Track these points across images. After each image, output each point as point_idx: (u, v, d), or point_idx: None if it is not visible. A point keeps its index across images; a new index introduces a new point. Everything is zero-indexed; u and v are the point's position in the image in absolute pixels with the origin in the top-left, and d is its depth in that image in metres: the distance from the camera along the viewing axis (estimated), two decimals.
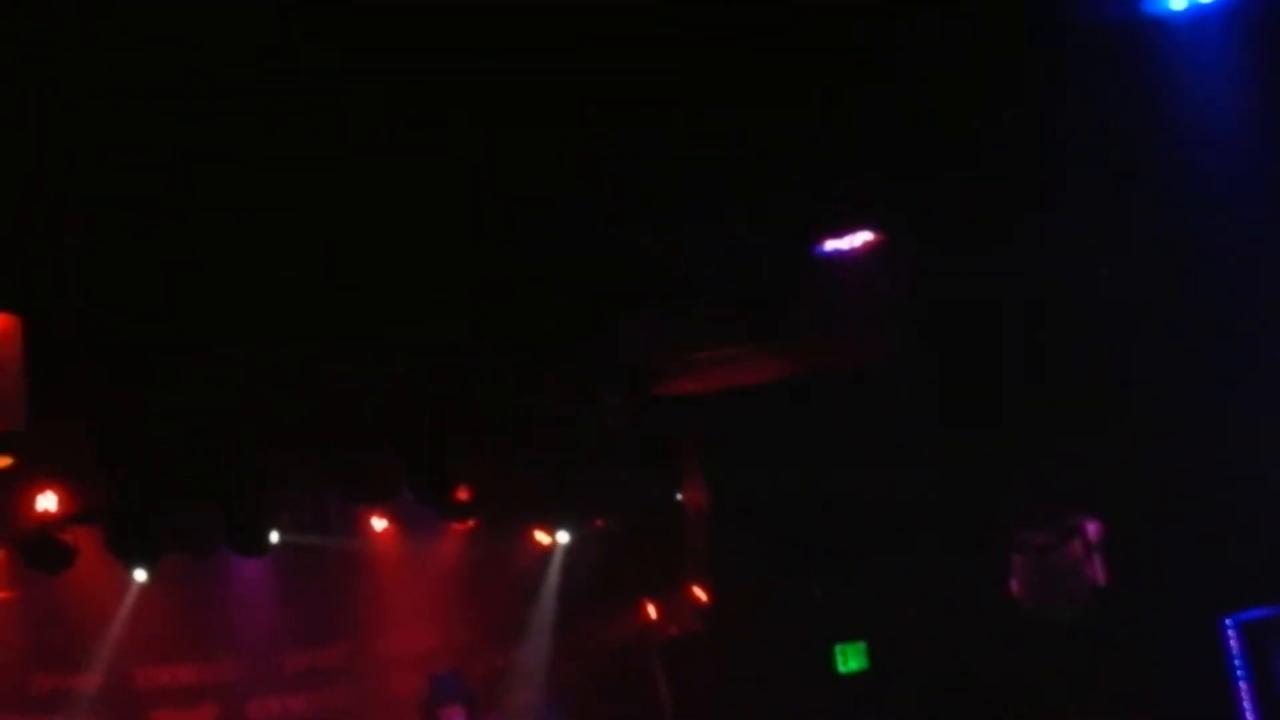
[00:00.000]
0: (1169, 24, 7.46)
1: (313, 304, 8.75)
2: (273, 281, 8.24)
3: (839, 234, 8.57)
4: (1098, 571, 12.08)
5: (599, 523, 12.54)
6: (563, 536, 13.83)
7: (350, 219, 7.98)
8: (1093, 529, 12.06)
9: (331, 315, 8.93)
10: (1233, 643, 10.71)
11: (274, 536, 12.31)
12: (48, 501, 11.17)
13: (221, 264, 7.84)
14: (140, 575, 12.75)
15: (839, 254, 8.64)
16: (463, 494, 12.00)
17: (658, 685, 13.47)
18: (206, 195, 6.96)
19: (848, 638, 12.99)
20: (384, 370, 9.71)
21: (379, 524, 14.04)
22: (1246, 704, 10.61)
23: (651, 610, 13.82)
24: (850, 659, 12.95)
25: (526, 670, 14.88)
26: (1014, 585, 12.81)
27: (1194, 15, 7.57)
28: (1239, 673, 10.71)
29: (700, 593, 12.99)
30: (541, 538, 13.95)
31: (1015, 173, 8.10)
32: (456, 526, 13.90)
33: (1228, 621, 10.75)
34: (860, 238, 8.62)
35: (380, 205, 7.97)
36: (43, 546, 11.36)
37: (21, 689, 14.00)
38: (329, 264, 8.39)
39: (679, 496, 12.36)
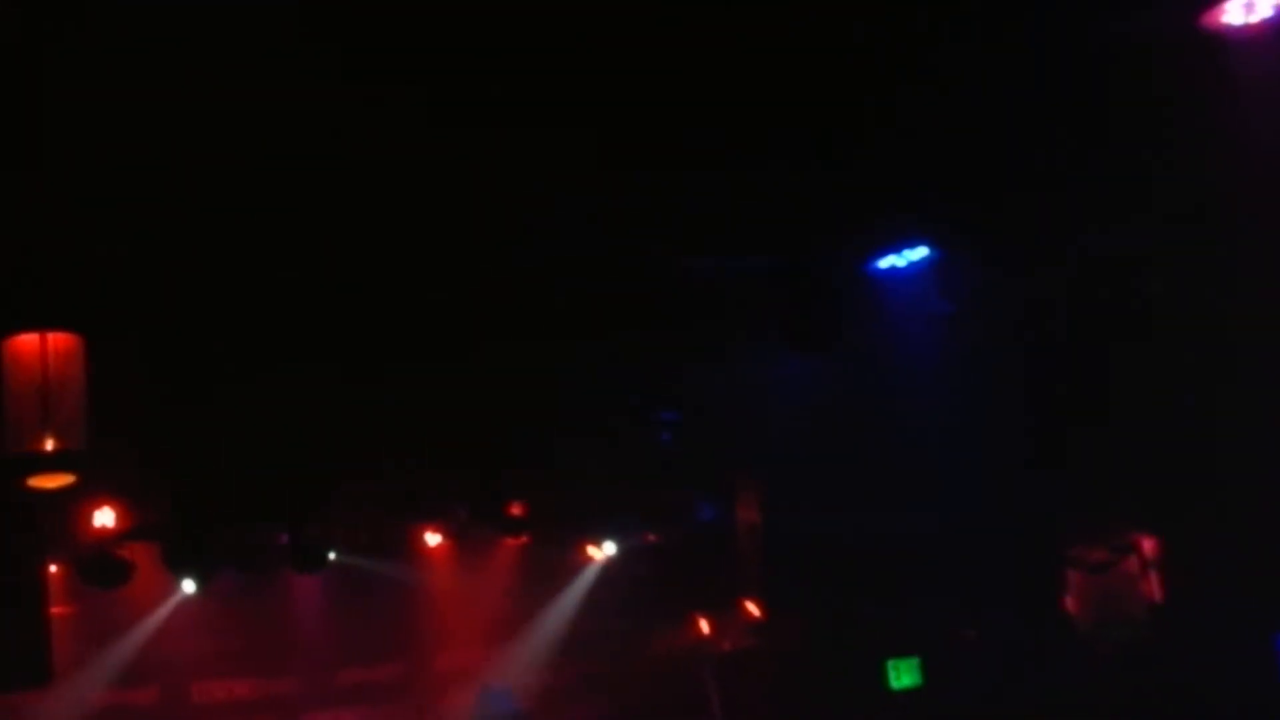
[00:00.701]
0: (1226, 39, 7.41)
1: (372, 326, 8.80)
2: (335, 304, 8.28)
3: (893, 251, 8.52)
4: (1153, 589, 12.01)
5: (651, 538, 12.54)
6: (614, 551, 13.83)
7: (412, 245, 8.01)
8: (1148, 546, 11.99)
9: (388, 337, 8.98)
10: None
11: (331, 554, 12.40)
12: (105, 518, 11.25)
13: (283, 286, 7.88)
14: (195, 590, 12.86)
15: (893, 271, 8.60)
16: (516, 510, 12.05)
17: (711, 700, 13.47)
18: (269, 217, 7.00)
19: (901, 653, 12.96)
20: (441, 389, 9.74)
21: (433, 540, 14.09)
22: None
23: (704, 625, 13.83)
24: (903, 674, 12.93)
25: (578, 683, 14.93)
26: (1069, 602, 12.77)
27: (1250, 30, 7.53)
28: None
29: (753, 608, 12.99)
30: (594, 553, 13.97)
31: (1073, 189, 8.05)
32: (509, 542, 13.95)
33: None
34: (915, 254, 8.58)
35: (440, 230, 8.00)
36: (99, 562, 11.46)
37: (81, 703, 14.12)
38: (388, 288, 8.43)
39: (733, 512, 12.35)
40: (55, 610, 10.82)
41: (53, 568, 11.52)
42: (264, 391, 9.40)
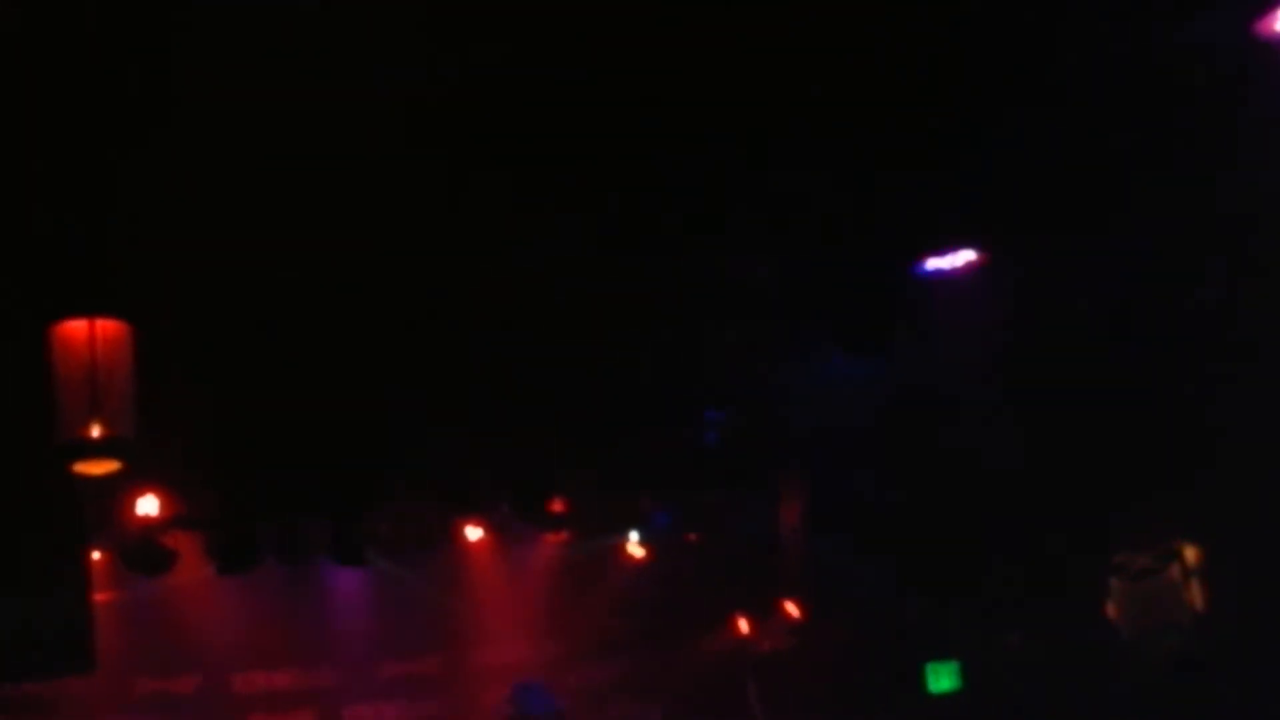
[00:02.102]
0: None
1: (422, 321, 8.82)
2: (380, 296, 8.30)
3: (941, 253, 8.46)
4: (1196, 597, 11.93)
5: (692, 537, 12.53)
6: (637, 543, 13.83)
7: (461, 239, 8.02)
8: (1191, 554, 11.90)
9: (437, 333, 9.00)
10: None
11: (371, 549, 12.45)
12: (149, 506, 11.30)
13: (329, 276, 7.91)
14: (238, 581, 12.93)
15: (941, 273, 8.54)
16: (558, 506, 12.06)
17: (750, 701, 13.45)
18: (323, 206, 7.02)
19: (940, 657, 12.92)
20: (486, 384, 9.76)
21: (474, 534, 14.12)
22: None
23: (744, 625, 13.81)
24: (942, 678, 12.88)
25: (615, 682, 14.94)
26: (1111, 610, 12.69)
27: None
28: None
29: (794, 609, 12.96)
30: (634, 550, 13.96)
31: (1126, 194, 8.00)
32: (550, 538, 13.97)
33: None
34: (963, 257, 8.52)
35: (490, 224, 8.02)
36: (143, 550, 11.52)
37: (124, 691, 14.22)
38: (432, 280, 8.44)
39: (776, 513, 12.32)
40: (99, 597, 10.89)
41: (96, 555, 11.60)
42: (311, 384, 9.44)
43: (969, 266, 8.48)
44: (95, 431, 6.56)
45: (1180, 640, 12.34)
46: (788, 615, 13.10)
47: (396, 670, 14.86)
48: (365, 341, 8.90)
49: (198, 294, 7.51)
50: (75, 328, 6.56)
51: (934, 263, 8.48)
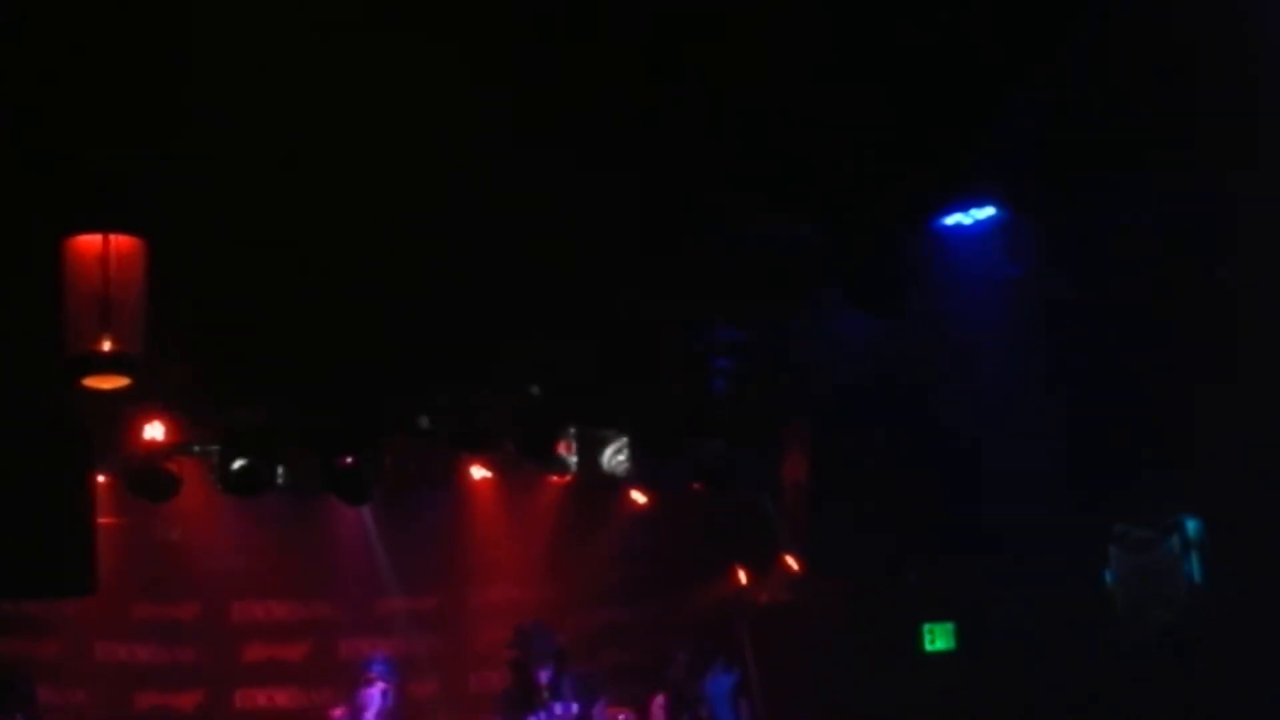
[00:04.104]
0: None
1: (433, 254, 8.80)
2: (393, 226, 8.27)
3: (960, 209, 8.36)
4: (1195, 570, 11.94)
5: (696, 486, 12.52)
6: (658, 498, 13.82)
7: (475, 185, 8.01)
8: (1193, 527, 11.91)
9: (448, 268, 8.98)
10: None
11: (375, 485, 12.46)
12: (155, 431, 11.32)
13: (343, 211, 7.89)
14: (241, 510, 12.99)
15: (958, 229, 8.45)
16: (564, 448, 12.07)
17: (745, 651, 13.49)
18: (335, 133, 6.99)
19: (937, 618, 12.95)
20: (496, 324, 9.75)
21: (479, 474, 14.15)
22: None
23: (743, 577, 13.84)
24: (938, 638, 12.92)
25: (613, 628, 14.99)
26: (1109, 578, 12.71)
27: None
28: None
29: (793, 563, 12.98)
30: (638, 498, 13.98)
31: (1150, 153, 7.88)
32: (555, 481, 13.99)
33: None
34: (982, 213, 8.41)
35: (498, 173, 8.00)
36: (148, 475, 11.54)
37: (123, 616, 14.31)
38: (448, 215, 8.41)
39: (780, 466, 12.31)
40: (102, 521, 10.94)
41: (101, 479, 11.64)
42: (320, 316, 9.43)
43: (987, 223, 8.38)
44: (105, 346, 6.58)
45: (1174, 613, 12.37)
46: (787, 569, 13.11)
47: (395, 606, 14.92)
48: (376, 274, 8.89)
49: (211, 216, 7.48)
50: (89, 243, 6.57)
51: (952, 218, 8.36)
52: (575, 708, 11.04)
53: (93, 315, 6.53)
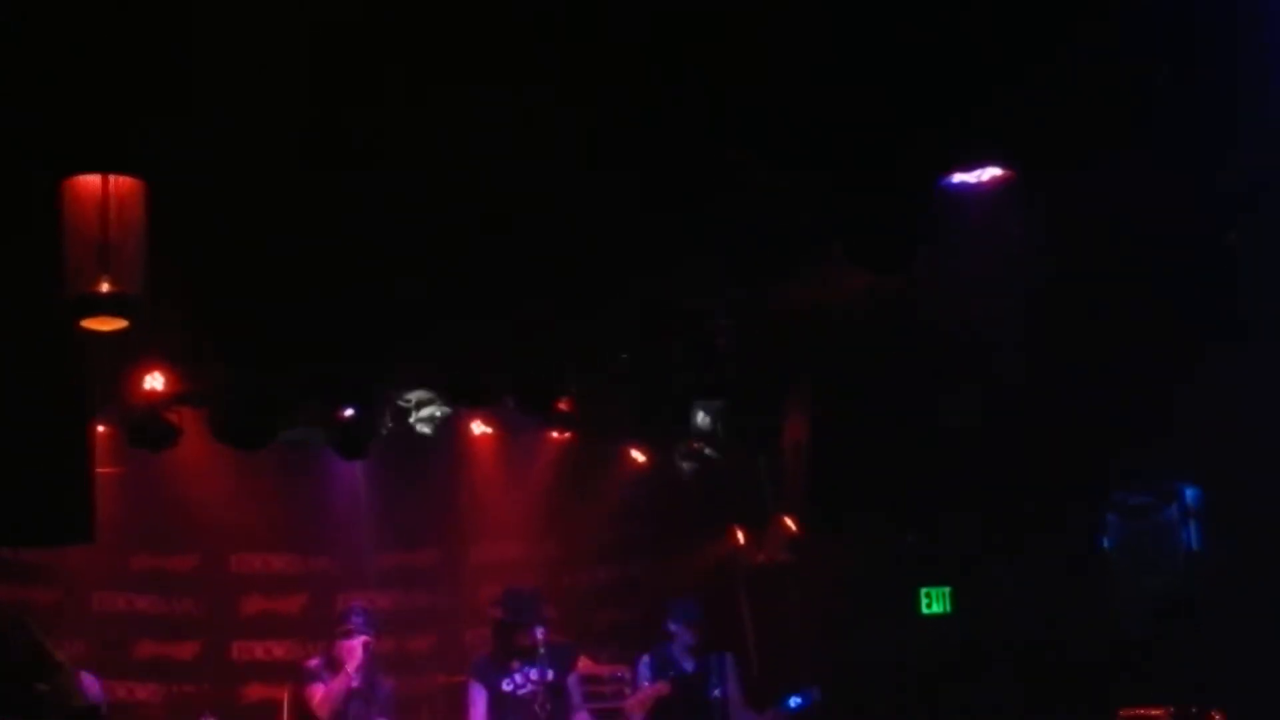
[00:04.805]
0: None
1: (430, 206, 8.76)
2: (396, 177, 8.22)
3: (968, 168, 8.25)
4: (1193, 538, 11.94)
5: (696, 445, 12.52)
6: (657, 457, 13.81)
7: (477, 128, 7.96)
8: (1191, 495, 11.91)
9: (449, 219, 8.94)
10: None
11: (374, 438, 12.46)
12: (155, 381, 11.31)
13: (348, 154, 7.83)
14: (240, 461, 12.99)
15: (967, 189, 8.34)
16: (564, 405, 12.06)
17: (741, 612, 13.51)
18: (337, 75, 6.94)
19: (934, 582, 12.96)
20: (500, 278, 9.72)
21: (479, 429, 14.16)
22: None
23: (740, 536, 13.85)
24: (935, 602, 12.93)
25: (610, 587, 15.02)
26: (1106, 545, 12.72)
27: None
28: None
29: (791, 524, 12.98)
30: (637, 456, 13.98)
31: (1165, 118, 7.78)
32: (554, 439, 13.99)
33: None
34: (990, 173, 8.31)
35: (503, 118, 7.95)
36: (147, 424, 11.55)
37: (121, 566, 14.36)
38: (449, 169, 8.37)
39: (781, 426, 12.29)
40: (101, 471, 10.92)
41: (101, 429, 11.64)
42: (322, 266, 9.40)
43: (995, 183, 8.27)
44: (104, 287, 6.56)
45: (1170, 580, 12.38)
46: (785, 529, 13.10)
47: (392, 561, 14.97)
48: (379, 226, 8.85)
49: (211, 162, 7.43)
50: (88, 182, 6.53)
51: (960, 178, 8.25)
52: (550, 674, 11.04)
53: (91, 257, 6.50)
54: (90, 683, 10.23)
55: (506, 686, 11.12)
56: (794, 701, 11.96)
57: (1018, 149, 7.96)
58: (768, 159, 8.21)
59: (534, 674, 11.06)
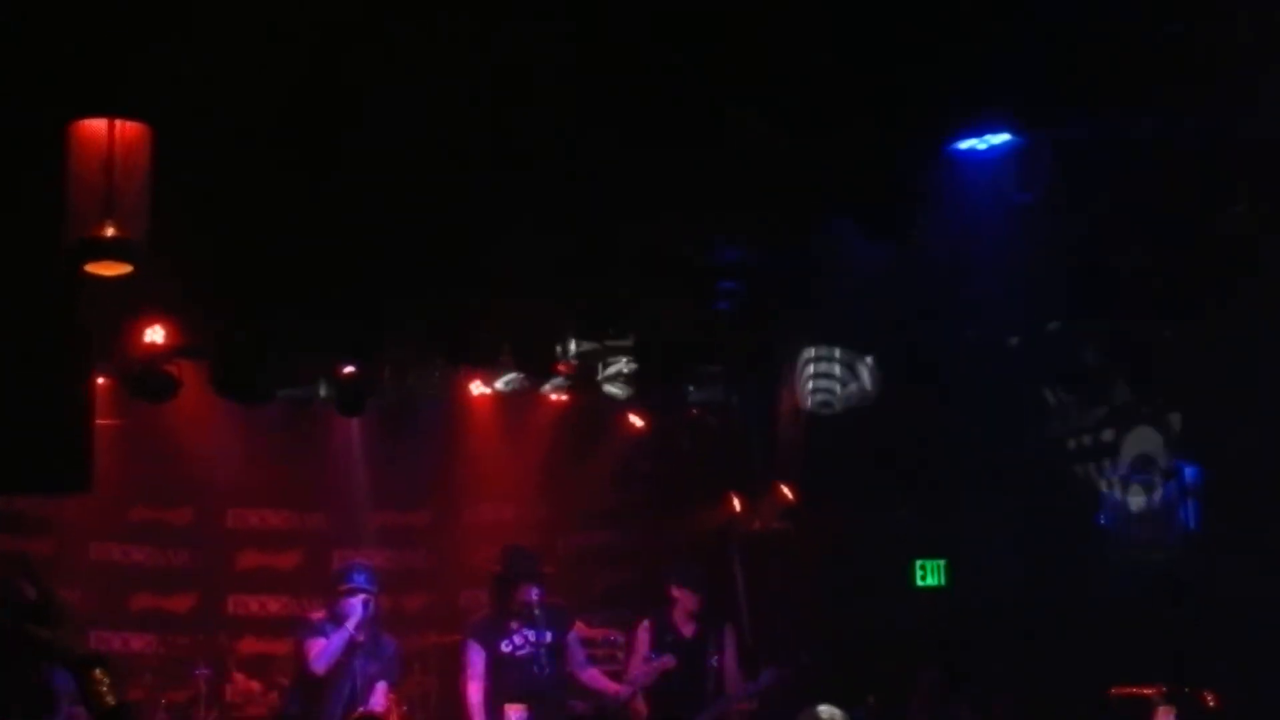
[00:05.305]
0: None
1: (433, 158, 8.72)
2: (401, 127, 8.18)
3: (973, 132, 8.20)
4: (1190, 516, 11.95)
5: (694, 411, 12.52)
6: (655, 422, 13.81)
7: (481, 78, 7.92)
8: (1190, 473, 11.91)
9: (452, 173, 8.90)
10: None
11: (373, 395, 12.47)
12: (155, 334, 11.31)
13: (353, 103, 7.80)
14: (237, 416, 13.01)
15: (972, 155, 8.29)
16: (563, 367, 12.05)
17: (735, 578, 13.52)
18: (346, 21, 6.90)
19: (929, 554, 12.98)
20: (501, 236, 9.69)
21: (477, 390, 14.16)
22: None
23: (736, 503, 13.86)
24: (929, 574, 12.96)
25: (605, 550, 15.05)
26: (1103, 521, 12.73)
27: None
28: None
29: (787, 492, 12.99)
30: (635, 421, 13.98)
31: (1174, 80, 7.70)
32: (553, 400, 13.99)
33: None
34: (997, 138, 8.26)
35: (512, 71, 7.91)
36: (147, 376, 11.55)
37: (119, 517, 14.39)
38: (456, 120, 8.32)
39: (779, 392, 12.29)
40: (101, 422, 10.93)
41: (100, 381, 11.65)
42: (324, 220, 9.37)
43: (1000, 148, 8.22)
44: (109, 232, 6.55)
45: (1167, 558, 12.39)
46: (781, 497, 13.12)
47: (388, 520, 15.00)
48: (382, 178, 8.81)
49: (218, 105, 7.40)
50: (94, 126, 6.52)
51: (965, 143, 8.20)
52: (549, 635, 11.05)
53: (96, 201, 6.49)
54: None
55: (505, 648, 11.14)
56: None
57: (1022, 112, 7.91)
58: (771, 119, 8.15)
59: (532, 635, 11.06)
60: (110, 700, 4.49)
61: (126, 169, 6.46)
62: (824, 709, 9.30)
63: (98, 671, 4.50)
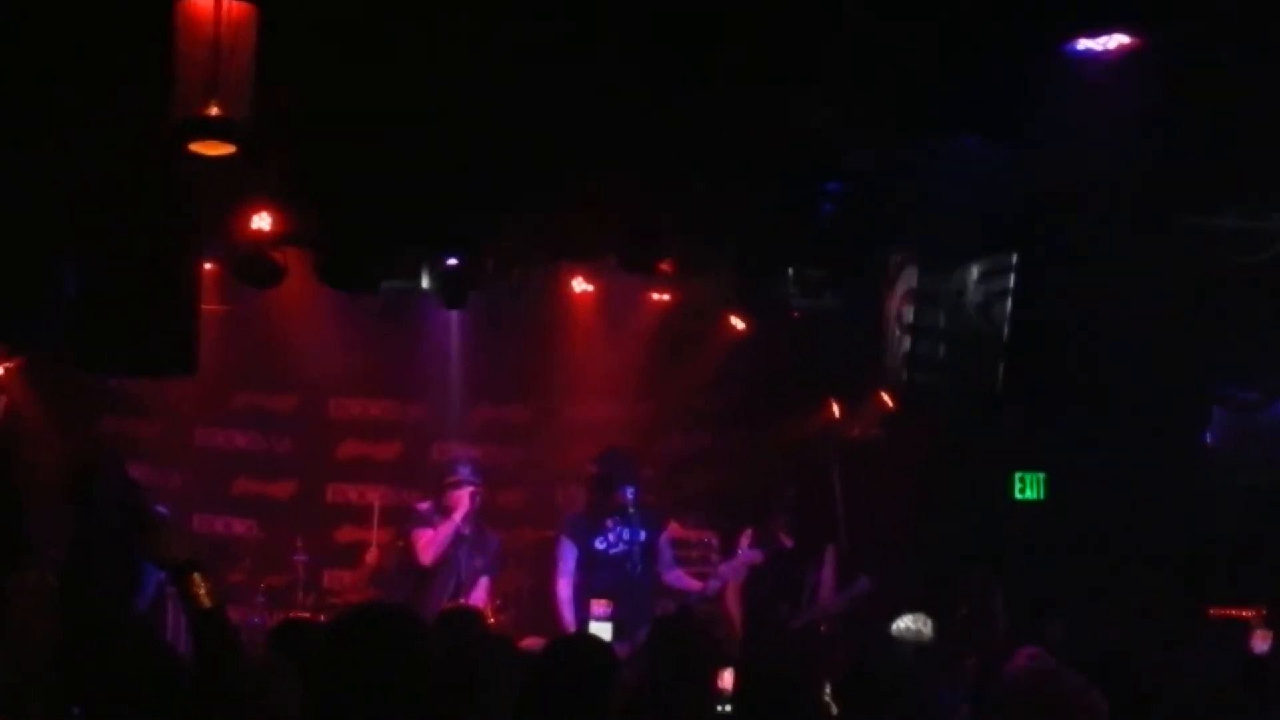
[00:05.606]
0: None
1: (541, 55, 8.65)
2: (508, 25, 8.12)
3: (1093, 33, 7.95)
4: None
5: (796, 315, 12.40)
6: (757, 325, 13.72)
7: None
8: None
9: (559, 68, 8.83)
10: None
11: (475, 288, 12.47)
12: (262, 222, 11.38)
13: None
14: (342, 305, 13.10)
15: (1090, 55, 8.05)
16: (667, 266, 11.98)
17: (832, 484, 13.48)
18: None
19: (1029, 467, 12.85)
20: (606, 136, 9.61)
21: (579, 287, 14.13)
22: None
23: (835, 409, 13.78)
24: (1028, 488, 12.84)
25: (702, 452, 15.04)
26: (1210, 438, 12.57)
27: None
28: None
29: (887, 399, 12.88)
30: (736, 323, 13.90)
31: None
32: (656, 300, 13.94)
33: None
34: (1115, 40, 8.00)
35: None
36: (254, 262, 11.62)
37: (223, 402, 14.59)
38: (562, 19, 8.25)
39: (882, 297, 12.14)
40: (207, 307, 11.06)
41: (208, 266, 11.77)
42: (432, 112, 9.34)
43: (1120, 50, 7.97)
44: (213, 111, 6.57)
45: (1271, 478, 12.23)
46: (881, 404, 13.02)
47: (487, 414, 15.07)
48: (490, 73, 8.76)
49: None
50: (202, 6, 6.51)
51: (1083, 44, 7.96)
52: (642, 534, 11.11)
53: (202, 81, 6.50)
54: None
55: (599, 544, 11.22)
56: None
57: (1144, 16, 7.67)
58: (886, 14, 7.98)
59: (626, 533, 11.13)
60: (207, 603, 4.59)
61: (232, 49, 6.46)
62: (907, 620, 9.27)
63: (196, 576, 4.60)
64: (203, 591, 4.59)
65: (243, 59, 6.53)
